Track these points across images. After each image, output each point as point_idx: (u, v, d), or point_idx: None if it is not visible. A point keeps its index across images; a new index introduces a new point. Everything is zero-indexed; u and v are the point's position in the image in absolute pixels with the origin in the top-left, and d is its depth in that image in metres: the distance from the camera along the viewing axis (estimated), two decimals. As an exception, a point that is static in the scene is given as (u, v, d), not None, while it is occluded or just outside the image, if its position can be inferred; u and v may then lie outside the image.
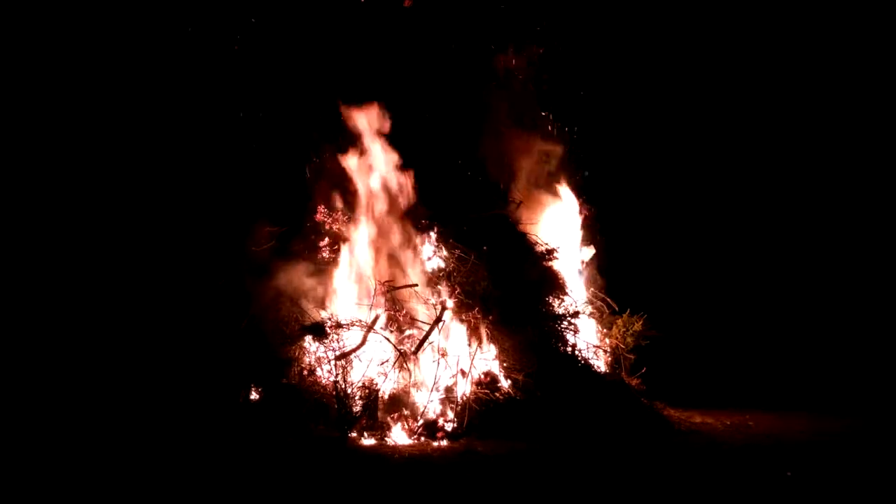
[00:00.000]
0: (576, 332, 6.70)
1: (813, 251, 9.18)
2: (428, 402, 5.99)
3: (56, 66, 7.62)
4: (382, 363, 6.10)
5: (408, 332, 6.36)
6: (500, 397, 6.08)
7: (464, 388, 6.07)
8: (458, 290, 6.52)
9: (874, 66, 9.05)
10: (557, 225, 7.55)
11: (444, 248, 6.83)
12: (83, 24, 7.60)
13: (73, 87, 7.65)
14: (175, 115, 7.52)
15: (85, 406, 6.02)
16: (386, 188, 6.76)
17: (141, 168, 7.52)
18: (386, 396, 6.01)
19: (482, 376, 6.21)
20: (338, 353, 6.04)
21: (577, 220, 7.66)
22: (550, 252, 7.09)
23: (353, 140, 6.83)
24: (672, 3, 8.99)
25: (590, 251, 7.63)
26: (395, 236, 6.68)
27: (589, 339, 7.00)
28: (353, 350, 6.07)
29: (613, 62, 8.59)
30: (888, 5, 8.75)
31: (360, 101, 6.81)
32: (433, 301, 6.49)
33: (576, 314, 6.73)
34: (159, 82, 7.62)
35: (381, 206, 6.74)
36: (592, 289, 7.51)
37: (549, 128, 7.81)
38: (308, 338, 6.21)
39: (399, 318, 6.40)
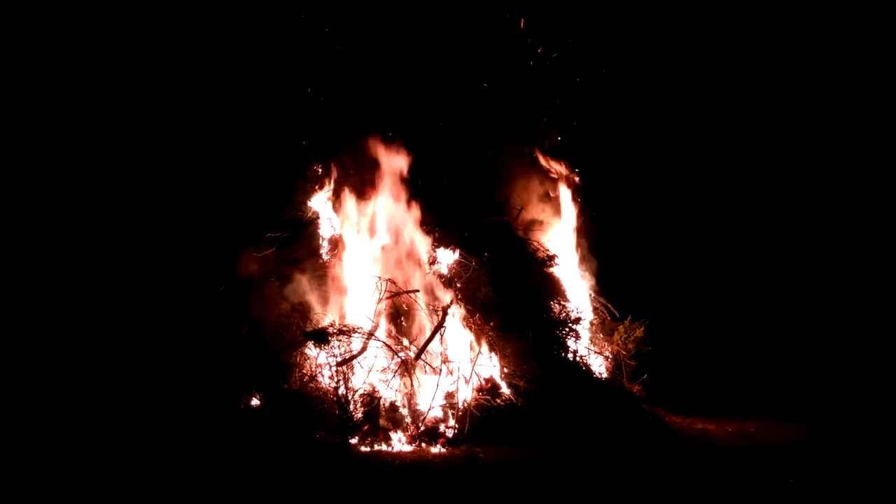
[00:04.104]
0: (577, 338, 6.69)
1: (815, 256, 9.16)
2: (429, 409, 5.99)
3: (56, 69, 7.63)
4: (384, 370, 6.10)
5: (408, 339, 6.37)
6: (502, 404, 6.07)
7: (465, 395, 6.07)
8: (460, 297, 6.52)
9: (874, 66, 9.04)
10: (558, 231, 7.56)
11: (445, 255, 6.82)
12: (84, 25, 7.62)
13: (75, 91, 7.66)
14: (178, 118, 7.53)
15: (85, 412, 6.01)
16: (388, 194, 6.78)
17: (143, 172, 7.54)
18: (387, 403, 6.00)
19: (483, 382, 6.20)
20: (339, 359, 6.04)
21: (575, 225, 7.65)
22: (551, 258, 7.09)
23: (356, 146, 6.85)
24: (672, 5, 8.99)
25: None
26: (397, 242, 6.68)
27: (590, 345, 6.99)
28: (355, 356, 6.06)
29: (615, 67, 8.59)
30: (888, 5, 8.75)
31: (367, 106, 6.83)
32: (434, 307, 6.48)
33: (577, 320, 6.71)
34: (162, 86, 7.64)
35: (383, 211, 6.75)
36: (594, 295, 7.51)
37: (550, 132, 7.81)
38: (309, 344, 6.21)
39: (401, 324, 6.40)
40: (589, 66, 7.97)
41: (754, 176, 9.38)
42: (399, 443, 5.76)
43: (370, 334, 6.18)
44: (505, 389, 6.19)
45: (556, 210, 7.63)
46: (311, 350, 6.24)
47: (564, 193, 7.68)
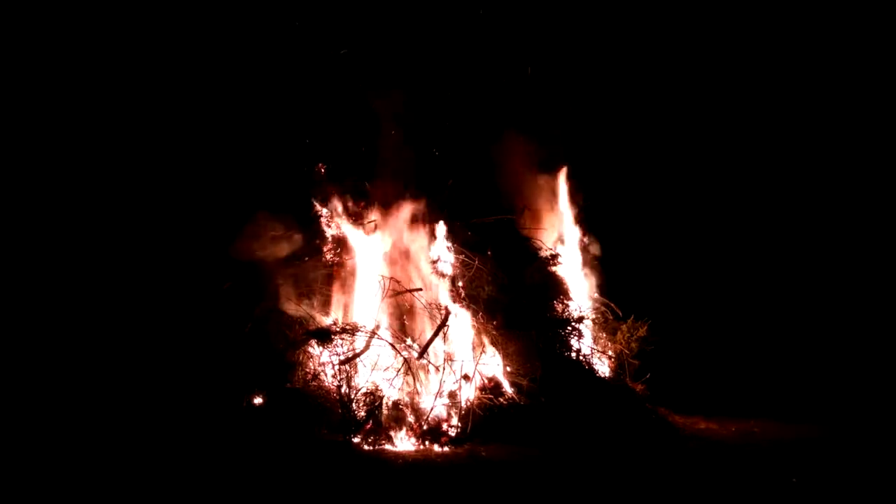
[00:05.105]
0: (580, 337, 6.68)
1: (818, 256, 9.15)
2: (432, 408, 5.99)
3: (57, 67, 7.63)
4: (386, 368, 6.10)
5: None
6: (504, 402, 6.07)
7: (468, 394, 6.06)
8: (463, 295, 6.52)
9: (874, 66, 9.02)
10: (561, 230, 7.55)
11: (448, 253, 6.82)
12: (84, 25, 7.62)
13: (78, 89, 7.66)
14: (181, 116, 7.54)
15: (87, 410, 6.02)
16: (392, 192, 6.77)
17: (147, 170, 7.54)
18: (390, 402, 6.00)
19: (486, 381, 6.20)
20: (342, 357, 6.04)
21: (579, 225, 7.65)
22: (554, 257, 7.08)
23: (361, 143, 6.86)
24: (672, 5, 8.99)
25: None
26: (401, 240, 6.68)
27: (593, 344, 6.99)
28: (357, 355, 6.06)
29: (620, 66, 8.59)
30: (888, 5, 8.73)
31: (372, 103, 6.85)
32: (437, 306, 6.47)
33: (580, 319, 6.70)
34: (166, 83, 7.64)
35: (386, 209, 6.75)
36: (597, 294, 7.50)
37: (552, 132, 7.80)
38: (312, 342, 6.21)
39: (403, 322, 6.41)
40: (591, 65, 7.96)
41: (758, 177, 9.37)
42: (402, 441, 5.76)
43: (373, 333, 6.18)
44: (508, 388, 6.20)
45: (560, 209, 7.62)
46: (313, 348, 6.25)
47: (568, 192, 7.66)
